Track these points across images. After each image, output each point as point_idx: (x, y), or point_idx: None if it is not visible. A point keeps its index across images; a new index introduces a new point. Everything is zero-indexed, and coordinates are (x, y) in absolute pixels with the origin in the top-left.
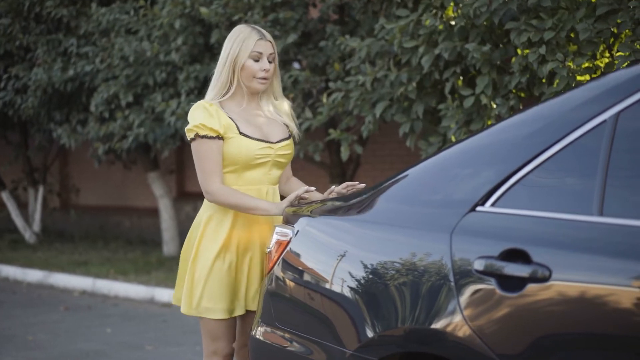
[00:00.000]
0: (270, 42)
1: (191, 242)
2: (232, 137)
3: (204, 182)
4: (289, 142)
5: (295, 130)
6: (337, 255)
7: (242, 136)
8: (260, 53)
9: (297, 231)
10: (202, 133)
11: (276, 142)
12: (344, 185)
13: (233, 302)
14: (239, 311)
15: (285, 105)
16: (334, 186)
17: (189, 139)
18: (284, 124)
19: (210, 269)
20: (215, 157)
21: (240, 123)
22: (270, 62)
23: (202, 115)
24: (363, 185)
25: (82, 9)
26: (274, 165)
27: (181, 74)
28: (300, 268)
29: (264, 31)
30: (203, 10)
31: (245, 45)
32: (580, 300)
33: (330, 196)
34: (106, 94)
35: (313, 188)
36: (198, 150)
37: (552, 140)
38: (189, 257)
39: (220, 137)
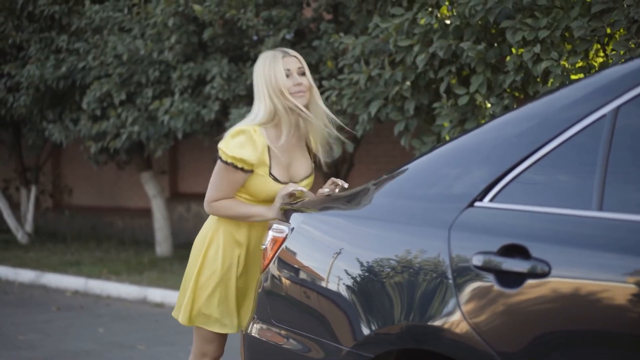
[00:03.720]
0: (294, 56)
1: (196, 253)
2: (261, 175)
3: (212, 197)
4: (310, 179)
5: (321, 159)
6: (333, 252)
7: (270, 177)
8: (289, 69)
9: (293, 228)
10: (239, 165)
11: (298, 182)
12: (329, 182)
13: (232, 317)
14: (233, 329)
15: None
16: (320, 189)
17: (221, 158)
18: (311, 154)
19: (217, 280)
20: (236, 186)
21: (274, 161)
22: (301, 74)
23: (245, 145)
24: (346, 185)
25: (75, 7)
26: None
27: (174, 72)
28: (295, 265)
29: (285, 49)
30: (197, 7)
31: (276, 67)
32: (580, 296)
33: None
34: (99, 92)
35: (301, 188)
36: (225, 174)
37: (551, 135)
38: (193, 268)
39: (251, 171)
